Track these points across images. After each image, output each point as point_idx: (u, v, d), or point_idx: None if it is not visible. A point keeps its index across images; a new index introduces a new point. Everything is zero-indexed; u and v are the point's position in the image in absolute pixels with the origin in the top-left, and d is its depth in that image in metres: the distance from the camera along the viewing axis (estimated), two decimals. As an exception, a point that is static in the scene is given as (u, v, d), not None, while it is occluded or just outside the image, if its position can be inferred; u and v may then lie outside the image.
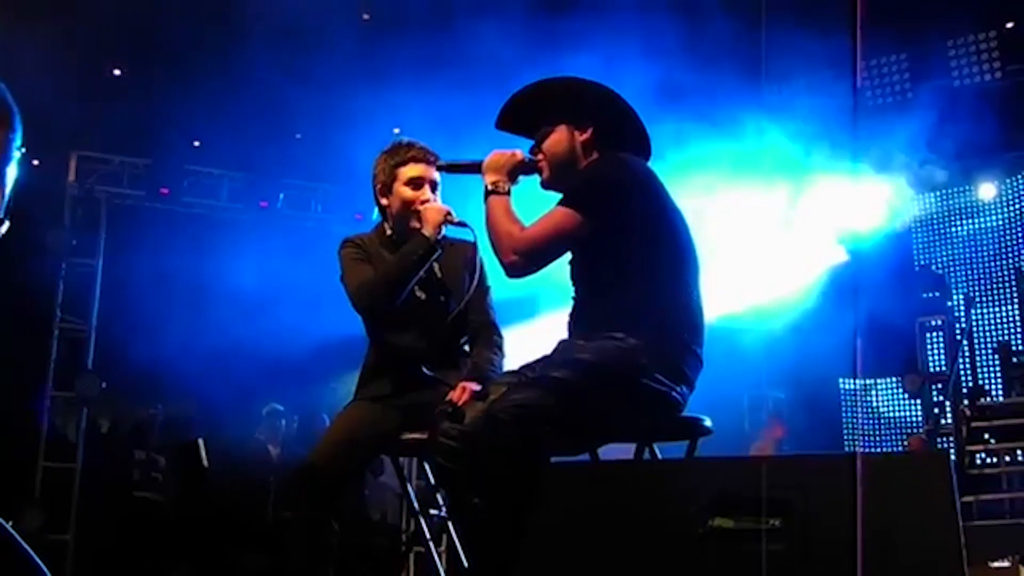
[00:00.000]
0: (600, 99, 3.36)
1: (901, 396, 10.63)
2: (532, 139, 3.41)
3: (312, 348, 9.00)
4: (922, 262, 10.69)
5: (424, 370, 3.84)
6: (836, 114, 7.92)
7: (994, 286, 10.29)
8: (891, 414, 10.89)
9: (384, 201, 3.97)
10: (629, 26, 7.68)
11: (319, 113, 9.50)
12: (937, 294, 10.09)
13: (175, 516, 7.95)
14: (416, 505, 4.09)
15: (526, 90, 3.42)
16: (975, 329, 9.91)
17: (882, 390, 10.95)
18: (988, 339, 10.10)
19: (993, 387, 9.57)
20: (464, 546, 3.73)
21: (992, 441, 8.49)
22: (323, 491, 3.69)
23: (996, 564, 6.28)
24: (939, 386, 9.60)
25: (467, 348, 3.97)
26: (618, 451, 3.37)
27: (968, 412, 8.50)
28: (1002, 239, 10.30)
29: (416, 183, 3.90)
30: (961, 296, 9.94)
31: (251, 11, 7.89)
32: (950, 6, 9.25)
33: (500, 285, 3.84)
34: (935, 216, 10.73)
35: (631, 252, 3.14)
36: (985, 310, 10.21)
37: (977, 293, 10.21)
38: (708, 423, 3.26)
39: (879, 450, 10.68)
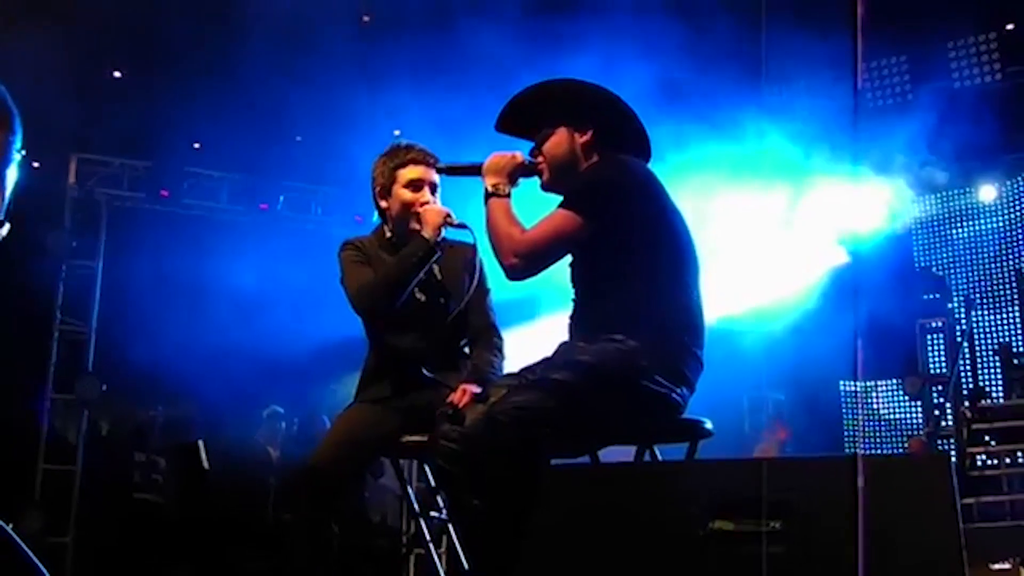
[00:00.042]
0: (600, 101, 3.36)
1: (901, 398, 10.62)
2: (532, 141, 3.41)
3: (312, 350, 9.01)
4: (922, 264, 10.68)
5: (424, 372, 3.84)
6: (836, 116, 7.92)
7: (995, 288, 10.28)
8: (891, 416, 10.88)
9: (383, 203, 3.98)
10: (629, 28, 7.68)
11: (319, 115, 9.50)
12: (938, 296, 10.08)
13: (175, 518, 7.95)
14: (416, 507, 4.09)
15: (526, 92, 3.42)
16: (976, 331, 9.90)
17: (882, 392, 10.94)
18: (989, 341, 10.09)
19: (994, 389, 9.55)
20: (464, 548, 3.73)
21: (993, 443, 8.47)
22: (323, 493, 3.69)
23: (997, 566, 6.27)
24: (939, 388, 9.59)
25: (467, 350, 3.97)
26: (618, 453, 3.37)
27: (969, 414, 8.48)
28: (1002, 241, 10.29)
29: (415, 185, 3.90)
30: (962, 298, 9.93)
31: (251, 13, 7.89)
32: (950, 8, 9.25)
33: (500, 287, 3.84)
34: (935, 218, 10.73)
35: (631, 254, 3.14)
36: (986, 312, 10.20)
37: (978, 295, 10.20)
38: (708, 425, 3.26)
39: (879, 452, 10.67)
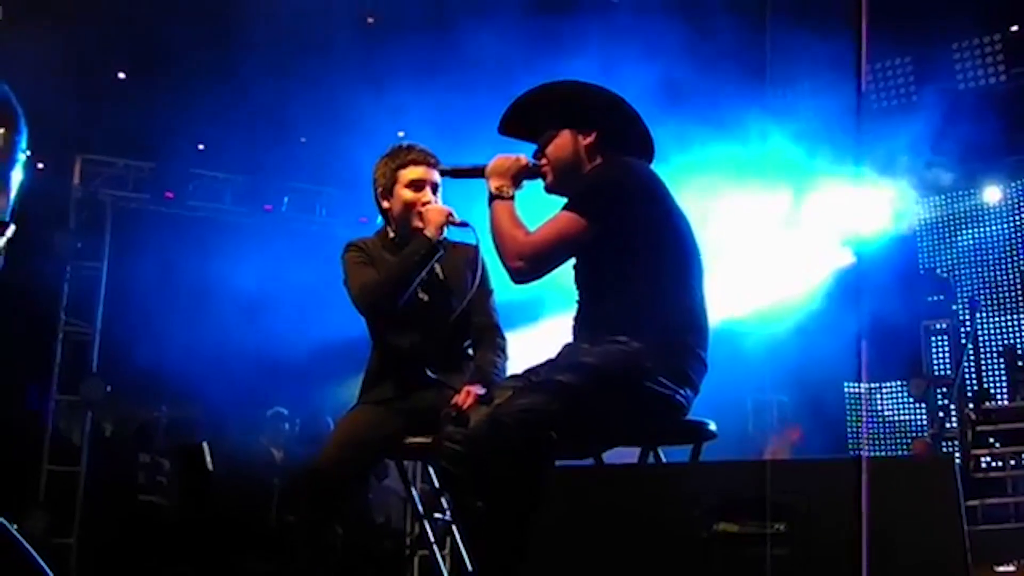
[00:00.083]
0: (603, 103, 3.36)
1: (906, 400, 10.60)
2: (535, 143, 3.41)
3: (316, 352, 9.01)
4: (927, 266, 10.67)
5: (427, 373, 3.85)
6: (840, 117, 7.91)
7: (999, 290, 10.26)
8: (896, 418, 10.86)
9: (385, 204, 3.99)
10: (633, 28, 7.68)
11: (323, 117, 9.50)
12: (942, 297, 10.07)
13: (179, 519, 7.95)
14: (420, 509, 4.09)
15: (529, 94, 3.42)
16: (980, 333, 9.88)
17: (887, 394, 10.92)
18: (993, 343, 10.07)
19: (998, 391, 9.54)
20: (468, 550, 3.73)
21: (997, 445, 8.46)
22: (326, 495, 3.70)
23: (1001, 568, 6.25)
24: (944, 390, 9.58)
25: (470, 351, 3.97)
26: (622, 455, 3.37)
27: (973, 416, 8.46)
28: (1007, 242, 10.27)
29: (417, 185, 3.92)
30: (966, 300, 9.92)
31: (256, 15, 7.90)
32: (954, 9, 9.23)
33: (504, 288, 3.84)
34: (940, 219, 10.70)
35: (635, 256, 3.14)
36: (990, 314, 10.18)
37: (982, 297, 10.18)
38: (712, 427, 3.26)
39: (883, 454, 10.65)
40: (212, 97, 8.77)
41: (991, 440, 8.45)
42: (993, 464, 8.44)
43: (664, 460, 3.32)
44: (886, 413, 10.90)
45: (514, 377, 3.30)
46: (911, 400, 10.41)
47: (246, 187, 10.39)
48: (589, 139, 3.32)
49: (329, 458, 3.72)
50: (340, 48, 8.76)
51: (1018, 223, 10.20)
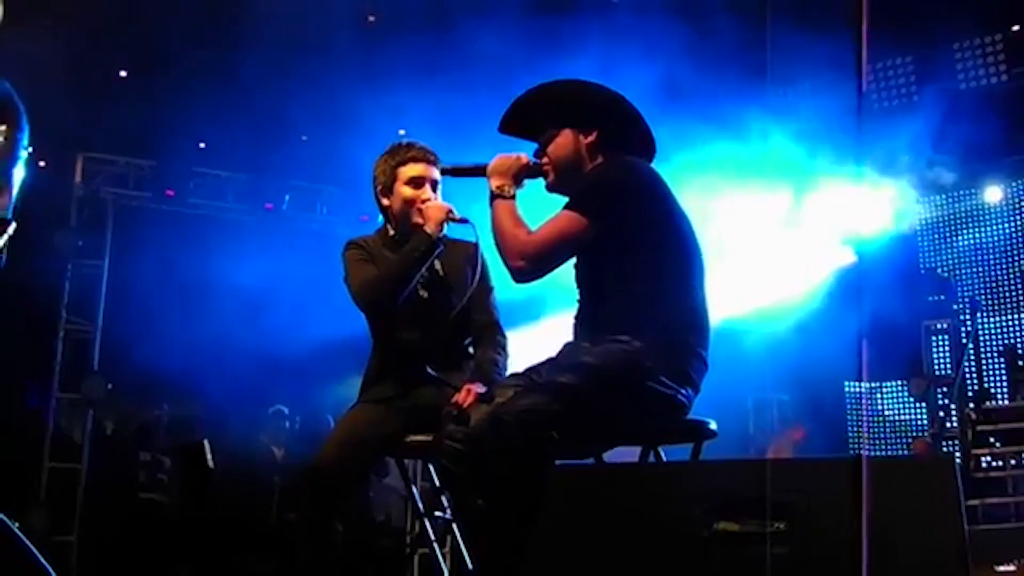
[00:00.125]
0: (605, 102, 3.36)
1: (906, 399, 10.60)
2: (536, 143, 3.41)
3: (316, 350, 9.00)
4: (928, 265, 10.67)
5: (428, 370, 3.85)
6: (841, 116, 7.91)
7: (1000, 290, 10.26)
8: (896, 417, 10.87)
9: (385, 201, 4.00)
10: (633, 27, 7.68)
11: (324, 116, 9.50)
12: (943, 297, 10.07)
13: (180, 517, 7.96)
14: (421, 507, 4.09)
15: (530, 94, 3.42)
16: (981, 332, 9.88)
17: (887, 393, 10.92)
18: (994, 343, 10.08)
19: (999, 391, 9.55)
20: (468, 548, 3.73)
21: (997, 445, 8.47)
22: (326, 493, 3.70)
23: (1001, 568, 6.25)
24: (944, 389, 9.58)
25: (471, 350, 3.98)
26: (623, 453, 3.37)
27: (973, 416, 8.47)
28: (1008, 242, 10.27)
29: (416, 182, 3.93)
30: (967, 299, 9.92)
31: (256, 14, 7.90)
32: (956, 9, 9.22)
33: (505, 287, 3.84)
34: (941, 219, 10.71)
35: (636, 255, 3.14)
36: (991, 313, 10.19)
37: (983, 296, 10.18)
38: (713, 426, 3.26)
39: (884, 453, 10.66)
40: (213, 95, 8.77)
41: (991, 440, 8.45)
42: (993, 464, 8.44)
43: (664, 459, 3.32)
44: (886, 412, 10.90)
45: (515, 376, 3.30)
46: (911, 399, 10.41)
47: (247, 185, 10.39)
48: (590, 138, 3.32)
49: (329, 456, 3.72)
50: (341, 47, 8.76)
51: (1019, 223, 10.20)
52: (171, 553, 7.70)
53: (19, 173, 1.90)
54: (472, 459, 2.92)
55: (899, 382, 10.59)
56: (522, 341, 4.33)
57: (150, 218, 10.19)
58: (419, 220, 3.83)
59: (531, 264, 3.15)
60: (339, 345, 7.19)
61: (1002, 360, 9.68)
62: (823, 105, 8.00)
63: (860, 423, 10.78)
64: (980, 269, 10.40)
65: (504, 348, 3.93)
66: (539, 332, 7.45)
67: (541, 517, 2.62)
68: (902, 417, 10.84)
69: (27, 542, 1.89)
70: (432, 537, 4.09)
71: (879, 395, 10.93)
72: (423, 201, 3.89)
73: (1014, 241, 10.20)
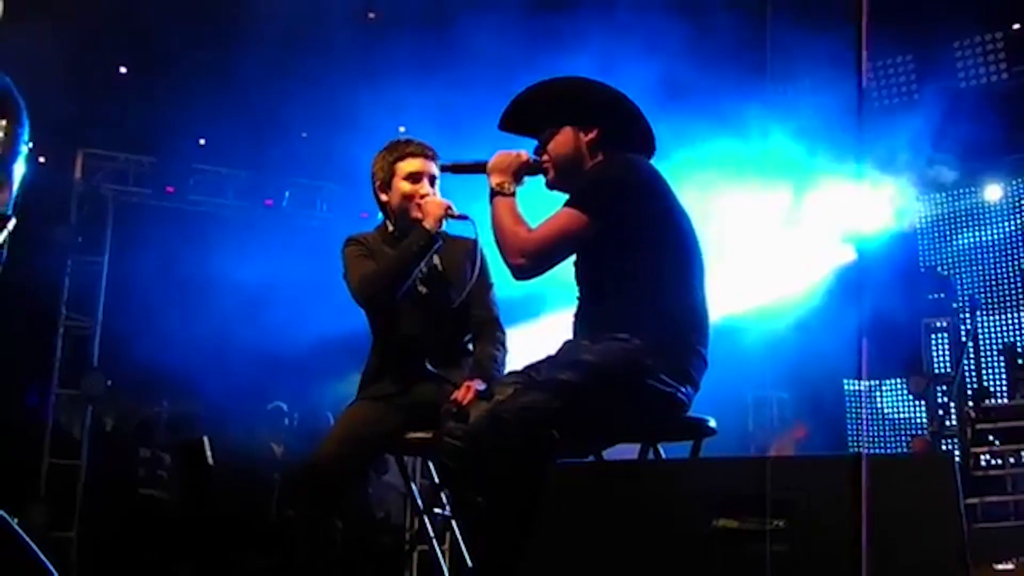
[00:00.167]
0: (605, 100, 3.36)
1: (906, 397, 10.61)
2: (536, 140, 3.41)
3: (316, 347, 9.01)
4: (928, 263, 10.67)
5: (427, 366, 3.85)
6: (842, 114, 7.91)
7: (1000, 288, 10.26)
8: (895, 415, 10.87)
9: (384, 197, 4.01)
10: (634, 25, 7.67)
11: (324, 113, 9.50)
12: (943, 295, 10.07)
13: (179, 513, 7.96)
14: (420, 504, 4.09)
15: (530, 91, 3.42)
16: (980, 331, 9.88)
17: (887, 391, 10.93)
18: (993, 341, 10.08)
19: (998, 389, 9.54)
20: (468, 545, 3.74)
21: (997, 443, 8.46)
22: (325, 490, 3.70)
23: (1000, 566, 6.26)
24: (944, 387, 9.58)
25: (470, 346, 3.98)
26: (622, 451, 3.37)
27: (973, 414, 8.46)
28: (1008, 241, 10.27)
29: (415, 177, 3.94)
30: (966, 298, 9.92)
31: (257, 12, 7.89)
32: (956, 7, 9.22)
33: (504, 284, 3.84)
34: (941, 217, 10.71)
35: (637, 253, 3.14)
36: (991, 312, 10.19)
37: (983, 295, 10.18)
38: (713, 424, 3.26)
39: (883, 451, 10.66)
40: (213, 92, 8.77)
41: (991, 438, 8.45)
42: (992, 462, 8.44)
43: (664, 456, 3.32)
44: (886, 410, 10.91)
45: (514, 373, 3.30)
46: (911, 397, 10.41)
47: (247, 182, 10.39)
48: (590, 136, 3.32)
49: (328, 454, 3.72)
50: (341, 44, 8.76)
51: (1019, 221, 10.20)
52: (171, 549, 7.70)
53: (20, 169, 1.90)
54: (471, 456, 2.92)
55: (898, 380, 10.59)
56: (521, 339, 4.32)
57: (150, 214, 10.19)
58: (418, 215, 3.84)
59: (531, 261, 3.15)
60: (339, 342, 7.19)
61: (1001, 358, 9.68)
62: (823, 103, 8.00)
63: (859, 421, 10.79)
64: (980, 267, 10.40)
65: (503, 344, 3.94)
66: (538, 330, 7.45)
67: (541, 514, 2.62)
68: (901, 415, 10.84)
69: (27, 538, 1.89)
70: (431, 534, 4.09)
71: (878, 393, 10.94)
72: (422, 196, 3.89)
73: (1014, 239, 10.20)
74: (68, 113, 7.91)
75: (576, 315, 3.31)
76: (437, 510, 4.12)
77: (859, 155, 8.77)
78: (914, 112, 9.39)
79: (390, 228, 4.02)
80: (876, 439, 10.92)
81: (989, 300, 10.19)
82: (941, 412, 9.28)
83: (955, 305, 9.97)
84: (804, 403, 10.47)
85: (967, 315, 9.67)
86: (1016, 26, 9.63)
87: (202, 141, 10.27)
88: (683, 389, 3.08)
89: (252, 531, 7.66)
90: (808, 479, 2.35)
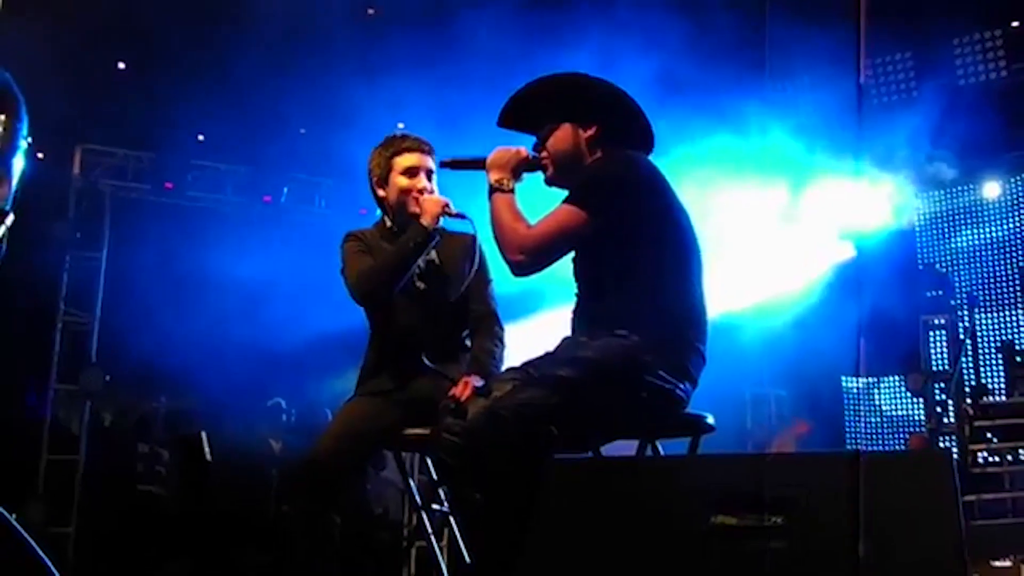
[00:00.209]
0: (604, 96, 3.36)
1: (904, 394, 10.62)
2: (535, 136, 3.41)
3: (314, 342, 9.01)
4: (926, 261, 10.68)
5: (425, 362, 3.85)
6: (841, 112, 7.91)
7: (998, 285, 10.28)
8: (893, 412, 10.88)
9: (381, 193, 4.01)
10: (633, 22, 7.67)
11: (323, 109, 9.50)
12: (941, 293, 10.08)
13: (178, 509, 7.96)
14: (418, 500, 4.09)
15: (529, 87, 3.42)
16: (979, 328, 9.89)
17: (885, 388, 10.94)
18: (991, 338, 10.09)
19: (996, 386, 9.56)
20: (466, 541, 3.74)
21: (995, 440, 8.49)
22: (322, 486, 3.70)
23: (998, 563, 6.28)
24: (942, 385, 9.60)
25: (468, 342, 3.98)
26: (620, 447, 3.37)
27: (971, 411, 8.48)
28: (1007, 238, 10.28)
29: (412, 172, 3.94)
30: (965, 295, 9.93)
31: (256, 7, 7.89)
32: (955, 5, 9.23)
33: (502, 281, 3.84)
34: (939, 214, 10.72)
35: (636, 250, 3.13)
36: (989, 309, 10.20)
37: (981, 292, 10.19)
38: (711, 420, 3.26)
39: (881, 448, 10.67)
40: (212, 88, 8.77)
41: (988, 435, 8.47)
42: (990, 459, 8.46)
43: (662, 453, 3.32)
44: (884, 407, 10.92)
45: (512, 370, 3.30)
46: (909, 395, 10.42)
47: (246, 178, 10.39)
48: (590, 132, 3.31)
49: (326, 449, 3.72)
50: (340, 40, 8.76)
51: (1017, 219, 10.21)
52: (169, 545, 7.70)
53: (19, 163, 1.89)
54: (469, 453, 2.92)
55: (897, 377, 10.61)
56: (520, 335, 4.32)
57: (148, 210, 10.19)
58: (416, 209, 3.84)
59: (530, 258, 3.15)
60: (337, 338, 7.19)
61: (1000, 356, 9.70)
62: (822, 100, 8.00)
63: (857, 418, 10.80)
64: (978, 265, 10.41)
65: (501, 340, 3.93)
66: (537, 326, 7.45)
67: (538, 510, 2.61)
68: (899, 412, 10.85)
69: (24, 534, 1.89)
70: (429, 530, 4.09)
71: (877, 390, 10.95)
72: (419, 190, 3.90)
73: (1013, 237, 10.21)
74: (67, 109, 7.90)
75: (574, 311, 3.31)
76: (435, 506, 4.12)
77: (858, 152, 8.77)
78: (913, 109, 9.39)
79: (388, 223, 4.02)
80: (874, 436, 10.93)
81: (987, 297, 10.21)
82: (939, 409, 9.30)
83: (953, 302, 9.98)
84: (802, 400, 10.49)
85: (965, 312, 9.69)
86: (1015, 24, 9.64)
87: (201, 137, 10.26)
88: (681, 386, 3.08)
89: (250, 527, 7.66)
90: (806, 476, 2.35)
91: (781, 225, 9.63)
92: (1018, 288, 10.09)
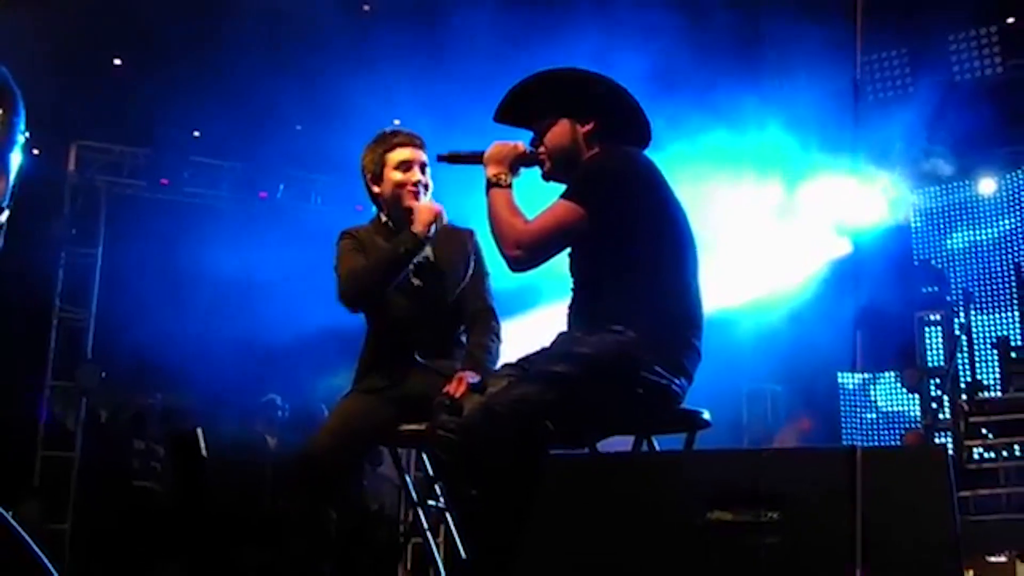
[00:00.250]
0: (602, 92, 3.35)
1: (899, 390, 10.63)
2: (532, 131, 3.41)
3: (310, 339, 9.01)
4: (922, 256, 10.69)
5: (419, 359, 3.85)
6: (837, 107, 7.92)
7: (993, 282, 10.29)
8: (889, 408, 10.90)
9: (376, 189, 4.01)
10: (629, 16, 7.67)
11: (319, 105, 9.49)
12: (936, 289, 10.09)
13: (173, 505, 7.95)
14: (414, 496, 4.09)
15: (526, 82, 3.41)
16: (974, 324, 9.91)
17: (880, 384, 10.95)
18: (987, 334, 10.10)
19: (991, 382, 9.57)
20: (462, 537, 3.74)
21: (990, 436, 8.49)
22: (320, 482, 3.70)
23: (993, 559, 6.29)
24: (937, 381, 9.61)
25: (463, 339, 3.97)
26: (616, 443, 3.37)
27: (966, 407, 8.49)
28: (1002, 234, 10.29)
29: (405, 165, 3.95)
30: (960, 291, 9.94)
31: (252, 3, 7.88)
32: (950, 1, 9.23)
33: (498, 276, 3.85)
34: (935, 210, 10.73)
35: (632, 245, 3.13)
36: (984, 305, 10.21)
37: (976, 288, 10.20)
38: (707, 416, 3.26)
39: (877, 444, 10.68)
40: (208, 85, 8.76)
41: (984, 431, 8.47)
42: (986, 455, 8.46)
43: (658, 448, 3.32)
44: (879, 403, 10.93)
45: (508, 366, 3.30)
46: (904, 391, 10.43)
47: (241, 174, 10.38)
48: (587, 127, 3.31)
49: (322, 445, 3.72)
50: (336, 37, 8.75)
51: (1013, 215, 10.22)
52: (164, 541, 7.69)
53: (16, 159, 1.89)
54: (465, 449, 2.92)
55: (892, 373, 10.62)
56: (515, 331, 4.32)
57: (144, 206, 10.18)
58: (411, 203, 3.84)
59: (527, 253, 3.15)
60: (333, 334, 7.19)
61: (995, 352, 9.70)
62: (818, 96, 8.01)
63: (853, 414, 10.81)
64: (974, 261, 10.42)
65: (498, 334, 3.93)
66: (532, 322, 7.46)
67: (534, 506, 2.62)
68: (895, 408, 10.87)
69: (20, 531, 1.89)
70: (425, 526, 4.09)
71: (872, 386, 10.96)
72: (415, 183, 3.90)
73: (1008, 233, 10.22)
74: (62, 105, 7.90)
75: (570, 307, 3.31)
76: (431, 502, 4.12)
77: (854, 148, 8.78)
78: (909, 105, 9.40)
79: (384, 219, 4.02)
80: (869, 432, 10.95)
81: (983, 294, 10.22)
82: (934, 405, 9.30)
83: (949, 298, 9.99)
84: (798, 396, 10.50)
85: (961, 308, 9.70)
86: (1010, 20, 9.65)
87: (196, 133, 10.26)
88: (677, 381, 3.08)
89: (246, 523, 7.65)
90: (802, 472, 2.35)
91: (777, 221, 9.64)
92: (1014, 284, 10.10)
